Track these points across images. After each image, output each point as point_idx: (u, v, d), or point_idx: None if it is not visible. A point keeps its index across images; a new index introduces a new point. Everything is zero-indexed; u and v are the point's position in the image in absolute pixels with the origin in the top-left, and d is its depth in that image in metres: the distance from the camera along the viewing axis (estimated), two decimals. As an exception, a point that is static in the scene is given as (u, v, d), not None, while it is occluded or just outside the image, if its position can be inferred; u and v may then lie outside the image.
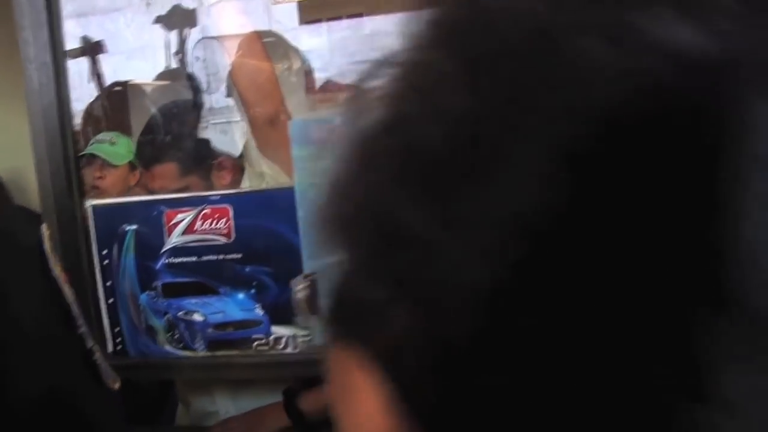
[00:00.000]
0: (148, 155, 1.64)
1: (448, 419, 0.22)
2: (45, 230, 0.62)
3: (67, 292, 0.59)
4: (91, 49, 1.52)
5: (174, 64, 1.56)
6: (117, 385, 0.63)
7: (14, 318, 0.53)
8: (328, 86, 1.61)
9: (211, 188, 1.58)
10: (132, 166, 1.84)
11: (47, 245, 0.60)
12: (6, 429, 0.51)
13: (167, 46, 1.57)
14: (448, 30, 0.24)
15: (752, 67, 0.20)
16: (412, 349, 0.23)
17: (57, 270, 0.59)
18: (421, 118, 0.23)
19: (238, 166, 1.63)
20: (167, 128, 1.61)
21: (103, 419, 0.60)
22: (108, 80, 1.68)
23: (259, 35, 1.45)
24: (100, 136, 1.50)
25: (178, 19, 1.47)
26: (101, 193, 1.46)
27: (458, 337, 0.21)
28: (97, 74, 1.56)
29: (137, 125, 1.89)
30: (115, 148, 1.76)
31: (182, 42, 1.54)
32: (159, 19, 1.49)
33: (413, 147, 0.23)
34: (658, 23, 0.20)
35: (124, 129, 1.88)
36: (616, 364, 0.20)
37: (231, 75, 1.42)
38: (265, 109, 1.40)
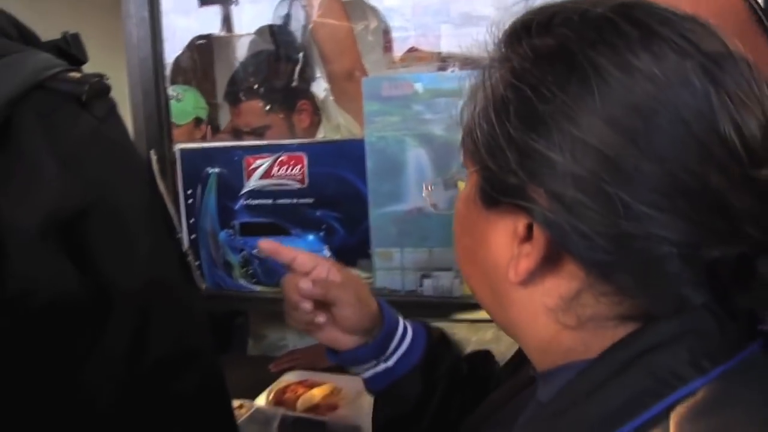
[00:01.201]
0: (235, 94, 1.74)
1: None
2: (153, 155, 0.73)
3: (169, 205, 0.68)
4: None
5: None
6: (203, 285, 0.72)
7: (129, 209, 0.62)
8: (412, 51, 1.67)
9: (291, 128, 1.69)
10: (198, 120, 1.95)
11: (154, 165, 0.69)
12: (109, 317, 0.59)
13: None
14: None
15: None
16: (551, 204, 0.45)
17: (161, 186, 0.67)
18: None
19: (316, 111, 1.74)
20: (252, 76, 1.72)
21: (193, 310, 0.69)
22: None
23: None
24: (169, 91, 1.58)
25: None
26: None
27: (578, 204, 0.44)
28: (227, 21, 1.67)
29: (221, 77, 2.01)
30: (181, 104, 1.87)
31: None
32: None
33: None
34: None
35: (209, 80, 2.00)
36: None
37: (311, 32, 1.49)
38: (343, 64, 1.48)
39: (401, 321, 0.80)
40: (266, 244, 0.81)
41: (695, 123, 0.41)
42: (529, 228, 0.47)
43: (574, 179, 0.43)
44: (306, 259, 0.78)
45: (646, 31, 0.44)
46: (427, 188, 0.71)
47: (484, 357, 0.85)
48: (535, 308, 0.49)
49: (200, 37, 1.81)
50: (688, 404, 0.41)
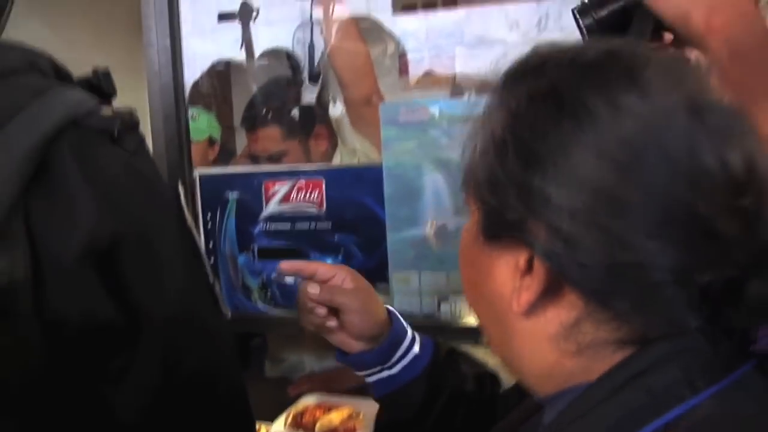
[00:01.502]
0: (252, 120, 1.76)
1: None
2: (180, 186, 0.77)
3: (195, 235, 0.71)
4: (244, 14, 1.65)
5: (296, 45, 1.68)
6: (229, 314, 0.74)
7: (159, 239, 0.65)
8: (428, 76, 1.69)
9: (307, 154, 1.71)
10: (211, 140, 1.97)
11: (182, 198, 0.72)
12: (139, 339, 0.62)
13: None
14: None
15: None
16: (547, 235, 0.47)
17: (189, 218, 0.70)
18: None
19: (332, 135, 1.76)
20: (269, 101, 1.73)
21: (223, 340, 0.71)
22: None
23: (356, 20, 1.54)
24: None
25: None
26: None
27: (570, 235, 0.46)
28: (247, 40, 1.69)
29: (238, 102, 2.04)
30: (196, 123, 1.89)
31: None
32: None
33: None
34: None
35: (227, 105, 2.02)
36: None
37: (329, 57, 1.51)
38: (360, 90, 1.49)
39: (410, 332, 0.85)
40: (286, 265, 0.87)
41: (681, 157, 0.44)
42: (530, 261, 0.49)
43: (569, 212, 0.46)
44: (325, 270, 0.85)
45: (631, 73, 0.47)
46: (431, 225, 0.77)
47: (491, 378, 0.88)
48: (538, 337, 0.52)
49: (218, 63, 1.83)
50: (686, 422, 0.44)
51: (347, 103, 1.58)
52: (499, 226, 0.51)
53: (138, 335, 0.62)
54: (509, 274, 0.51)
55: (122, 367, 0.62)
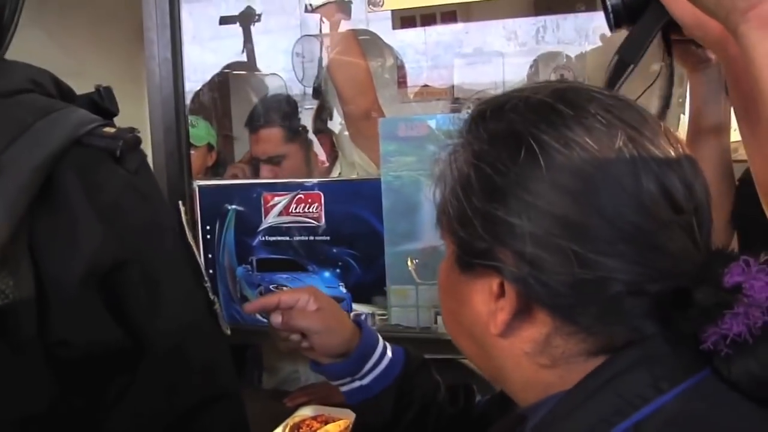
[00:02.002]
0: (257, 119, 1.78)
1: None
2: (181, 206, 0.75)
3: (197, 254, 0.72)
4: (246, 18, 1.65)
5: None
6: (228, 331, 0.75)
7: (160, 260, 0.65)
8: (425, 89, 1.70)
9: (307, 162, 1.72)
10: (210, 146, 1.99)
11: (183, 217, 0.73)
12: (140, 360, 0.62)
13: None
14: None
15: None
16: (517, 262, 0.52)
17: (189, 236, 0.71)
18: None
19: (333, 146, 1.76)
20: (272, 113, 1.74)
21: (221, 353, 0.72)
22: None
23: (355, 34, 1.55)
24: None
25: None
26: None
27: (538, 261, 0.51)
28: (249, 43, 1.69)
29: (237, 112, 2.05)
30: (195, 130, 1.92)
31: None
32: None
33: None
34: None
35: (225, 115, 2.03)
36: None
37: (329, 72, 1.52)
38: (360, 105, 1.50)
39: (380, 343, 0.88)
40: (250, 307, 0.92)
41: (626, 181, 0.50)
42: (502, 285, 0.54)
43: (531, 238, 0.51)
44: (287, 297, 0.87)
45: (577, 109, 0.53)
46: (412, 262, 0.82)
47: (465, 389, 0.92)
48: (516, 354, 0.56)
49: (218, 74, 1.85)
50: (654, 421, 0.48)
51: (347, 117, 1.59)
52: (471, 256, 0.56)
53: (137, 358, 0.62)
54: (485, 300, 0.56)
55: (119, 392, 0.62)
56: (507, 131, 0.54)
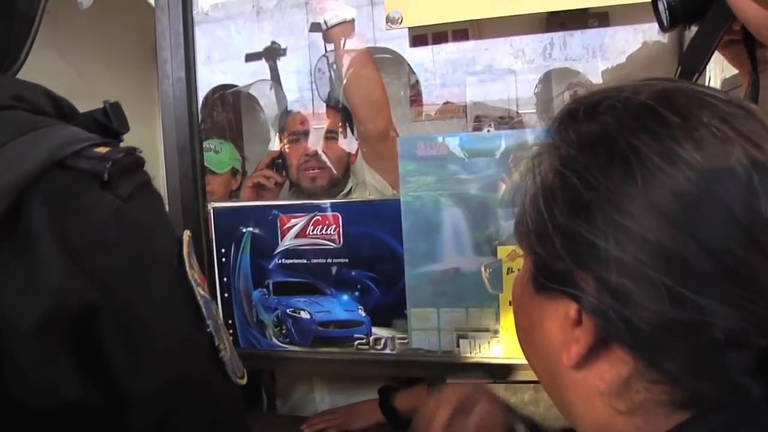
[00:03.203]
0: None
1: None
2: (186, 236, 0.63)
3: (200, 294, 0.61)
4: (271, 53, 1.64)
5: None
6: (243, 381, 0.64)
7: (144, 305, 0.56)
8: (446, 106, 1.68)
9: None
10: (234, 171, 1.96)
11: (185, 250, 0.61)
12: (123, 419, 0.54)
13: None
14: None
15: None
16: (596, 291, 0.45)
17: (191, 273, 0.61)
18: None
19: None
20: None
21: (229, 412, 0.63)
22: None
23: (370, 53, 1.53)
24: (206, 144, 1.56)
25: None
26: (209, 196, 1.57)
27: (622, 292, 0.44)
28: (276, 76, 1.68)
29: (248, 129, 2.03)
30: (219, 156, 1.89)
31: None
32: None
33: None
34: None
35: (235, 133, 2.02)
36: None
37: (345, 92, 1.50)
38: (376, 125, 1.48)
39: None
40: None
41: (739, 209, 0.41)
42: (580, 312, 0.48)
43: (617, 265, 0.43)
44: None
45: (686, 118, 0.44)
46: (485, 270, 0.74)
47: None
48: (589, 391, 0.49)
49: (230, 93, 1.83)
50: None
51: (362, 137, 1.56)
52: (547, 277, 0.50)
53: (122, 412, 0.54)
54: (559, 325, 0.50)
55: None
56: (599, 136, 0.46)
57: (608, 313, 0.44)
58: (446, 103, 1.87)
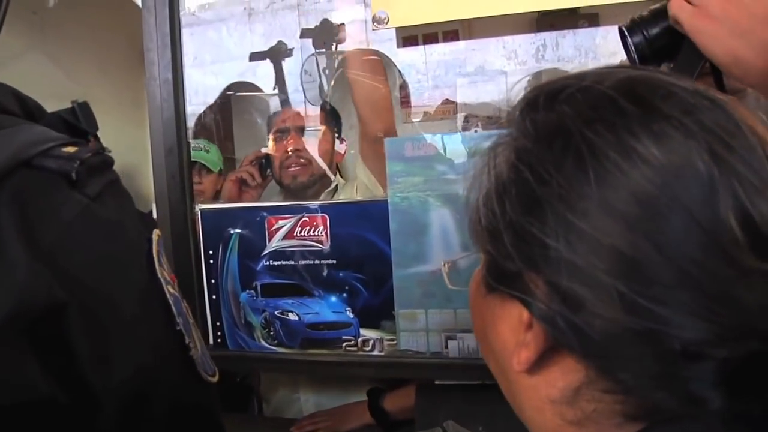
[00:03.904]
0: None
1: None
2: (155, 235, 0.63)
3: (169, 292, 0.61)
4: (276, 53, 1.63)
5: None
6: (214, 379, 0.64)
7: (113, 303, 0.55)
8: (437, 108, 1.68)
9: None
10: (220, 172, 1.96)
11: (154, 248, 0.61)
12: (93, 416, 0.53)
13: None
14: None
15: None
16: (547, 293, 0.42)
17: (160, 271, 0.60)
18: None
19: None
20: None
21: (200, 411, 0.63)
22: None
23: (380, 56, 1.54)
24: (193, 143, 1.55)
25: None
26: (198, 196, 1.56)
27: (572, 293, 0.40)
28: (281, 78, 1.67)
29: (240, 134, 2.02)
30: (210, 155, 1.89)
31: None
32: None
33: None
34: None
35: (227, 137, 2.01)
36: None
37: (350, 90, 1.50)
38: (378, 127, 1.48)
39: None
40: None
41: (698, 210, 0.38)
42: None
43: (568, 268, 0.40)
44: None
45: (647, 109, 0.41)
46: (444, 265, 0.73)
47: None
48: (540, 398, 0.47)
49: (221, 96, 1.83)
50: None
51: (363, 137, 1.56)
52: (497, 278, 0.47)
53: (93, 411, 0.53)
54: (512, 328, 0.47)
55: None
56: (555, 128, 0.43)
57: (557, 320, 0.41)
58: (446, 101, 1.86)
